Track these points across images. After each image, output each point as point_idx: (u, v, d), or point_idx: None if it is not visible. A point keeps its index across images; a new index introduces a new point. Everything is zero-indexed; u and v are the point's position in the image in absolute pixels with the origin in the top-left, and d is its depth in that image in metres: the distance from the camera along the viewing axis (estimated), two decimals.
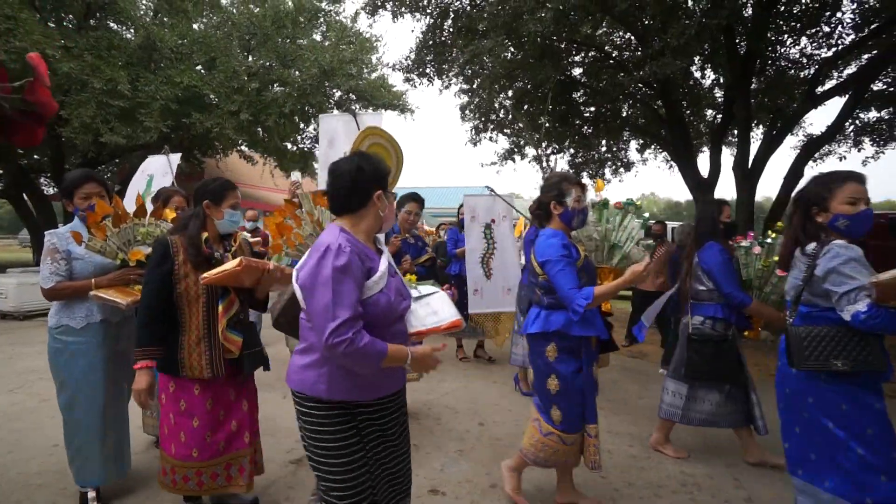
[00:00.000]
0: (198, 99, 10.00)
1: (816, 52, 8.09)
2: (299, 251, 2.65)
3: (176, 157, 4.67)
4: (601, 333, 2.35)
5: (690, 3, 6.94)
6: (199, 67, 10.46)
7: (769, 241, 3.15)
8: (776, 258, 2.98)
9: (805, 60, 8.26)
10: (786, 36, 8.02)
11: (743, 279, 3.07)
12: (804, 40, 8.08)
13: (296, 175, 4.06)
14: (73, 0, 9.38)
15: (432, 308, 1.86)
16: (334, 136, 3.35)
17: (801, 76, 8.38)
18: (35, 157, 14.05)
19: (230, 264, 1.91)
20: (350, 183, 1.54)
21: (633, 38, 8.68)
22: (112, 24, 10.52)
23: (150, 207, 2.69)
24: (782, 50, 8.27)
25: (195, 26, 10.84)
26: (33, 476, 2.76)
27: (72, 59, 8.15)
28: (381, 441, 1.62)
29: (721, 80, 9.18)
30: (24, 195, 12.91)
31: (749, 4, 7.05)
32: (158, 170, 4.59)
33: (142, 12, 10.49)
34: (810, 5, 7.36)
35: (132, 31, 10.32)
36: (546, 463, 2.45)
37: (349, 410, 1.55)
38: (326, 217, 2.68)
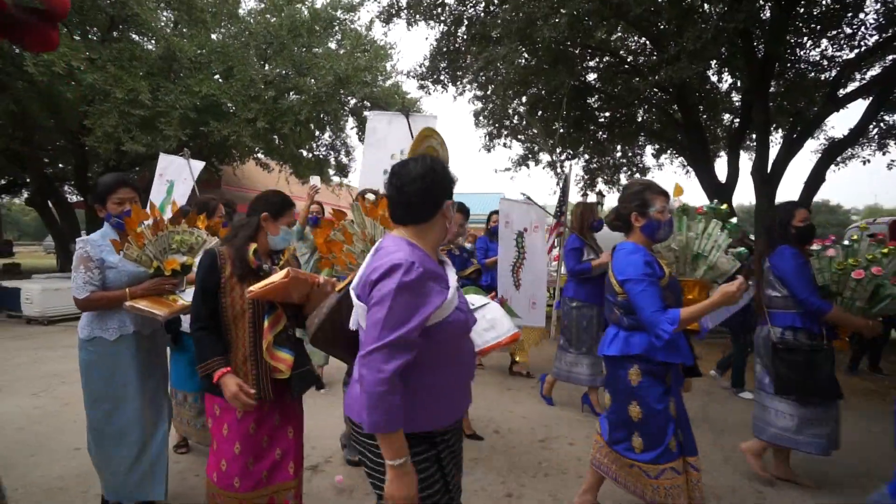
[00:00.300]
0: (216, 107, 10.19)
1: (838, 53, 7.95)
2: (350, 270, 2.40)
3: (198, 164, 4.62)
4: (687, 359, 2.10)
5: (706, 6, 6.87)
6: (216, 77, 10.67)
7: (846, 242, 2.88)
8: (852, 260, 2.73)
9: (826, 63, 8.11)
10: (805, 38, 7.89)
11: (820, 285, 2.82)
12: (825, 42, 7.94)
13: (315, 179, 4.03)
14: (97, 14, 9.66)
15: (488, 321, 1.73)
16: (383, 136, 3.16)
17: (822, 79, 8.22)
18: (59, 165, 14.49)
19: (277, 276, 1.78)
20: (421, 189, 1.32)
21: (648, 42, 8.62)
22: (134, 36, 10.81)
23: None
24: (802, 52, 8.13)
25: (213, 36, 11.07)
26: (55, 479, 2.81)
27: (96, 71, 8.38)
28: (454, 463, 1.45)
29: (738, 84, 9.05)
30: (49, 203, 13.27)
31: (767, 7, 6.96)
32: (177, 175, 4.58)
33: (162, 24, 10.75)
34: (831, 7, 7.23)
35: (153, 42, 10.59)
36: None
37: (431, 440, 1.36)
38: (379, 233, 2.45)
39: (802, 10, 7.22)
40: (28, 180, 14.57)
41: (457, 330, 1.34)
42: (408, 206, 1.35)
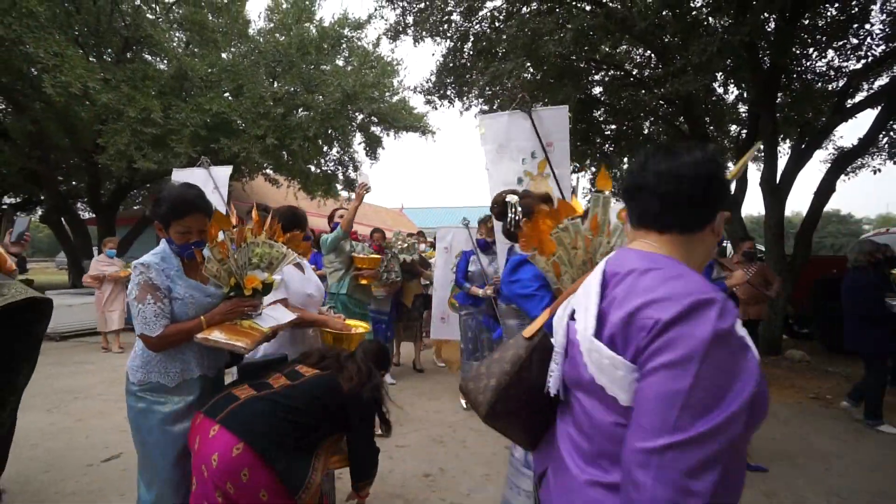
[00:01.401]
0: (226, 125, 10.36)
1: (844, 64, 7.94)
2: (561, 285, 1.65)
3: (223, 170, 4.25)
4: None
5: (711, 20, 6.92)
6: (227, 94, 10.87)
7: None
8: None
9: (833, 73, 8.11)
10: (811, 49, 7.90)
11: None
12: (831, 53, 7.95)
13: (364, 175, 3.60)
14: (112, 36, 9.92)
15: None
16: (504, 141, 2.77)
17: (830, 89, 8.22)
18: (73, 182, 14.75)
19: None
20: (703, 186, 0.92)
21: (653, 55, 8.67)
22: (147, 56, 11.07)
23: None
24: (808, 63, 8.14)
25: (224, 56, 11.31)
26: (68, 496, 2.81)
27: (110, 91, 8.57)
28: None
29: (745, 95, 9.07)
30: (63, 220, 13.49)
31: (771, 19, 6.99)
32: (203, 186, 4.37)
33: (175, 44, 11.01)
34: (836, 17, 7.26)
35: (165, 62, 10.83)
36: None
37: None
38: (617, 243, 1.61)
39: (807, 21, 7.25)
40: (42, 198, 14.83)
41: (757, 411, 0.80)
42: (677, 205, 0.93)
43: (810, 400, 5.13)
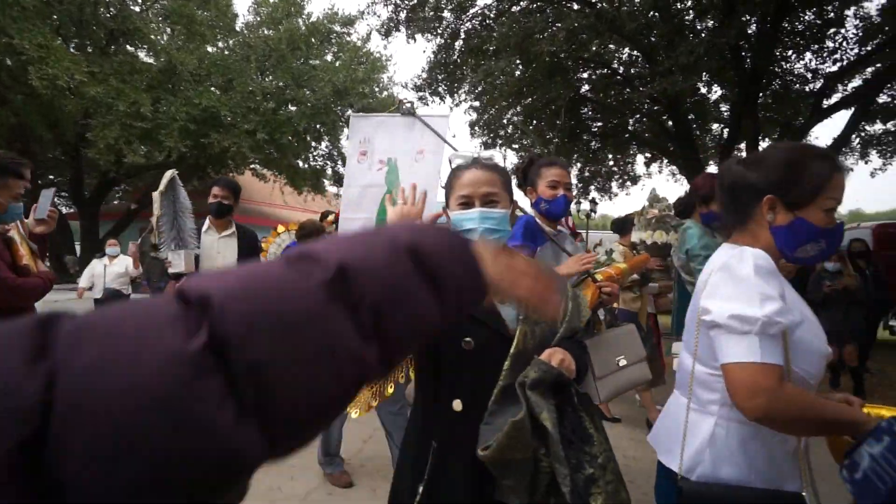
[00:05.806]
0: (215, 119, 10.30)
1: (822, 66, 8.27)
2: None
3: (441, 118, 2.52)
4: None
5: (697, 22, 7.14)
6: (215, 90, 10.79)
7: None
8: None
9: (810, 75, 8.44)
10: (791, 52, 8.20)
11: None
12: (808, 55, 8.27)
13: None
14: (95, 27, 9.76)
15: None
16: None
17: (808, 90, 8.55)
18: (51, 177, 14.44)
19: None
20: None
21: (640, 55, 8.89)
22: (130, 48, 10.91)
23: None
24: (788, 65, 8.44)
25: (211, 49, 11.20)
26: None
27: (98, 84, 8.46)
28: None
29: (727, 96, 9.36)
30: None
31: (753, 22, 7.25)
32: (404, 147, 2.49)
33: (161, 36, 10.87)
34: (814, 22, 7.55)
35: (151, 55, 10.69)
36: None
37: None
38: None
39: (788, 25, 7.52)
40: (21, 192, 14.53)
41: None
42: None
43: None
